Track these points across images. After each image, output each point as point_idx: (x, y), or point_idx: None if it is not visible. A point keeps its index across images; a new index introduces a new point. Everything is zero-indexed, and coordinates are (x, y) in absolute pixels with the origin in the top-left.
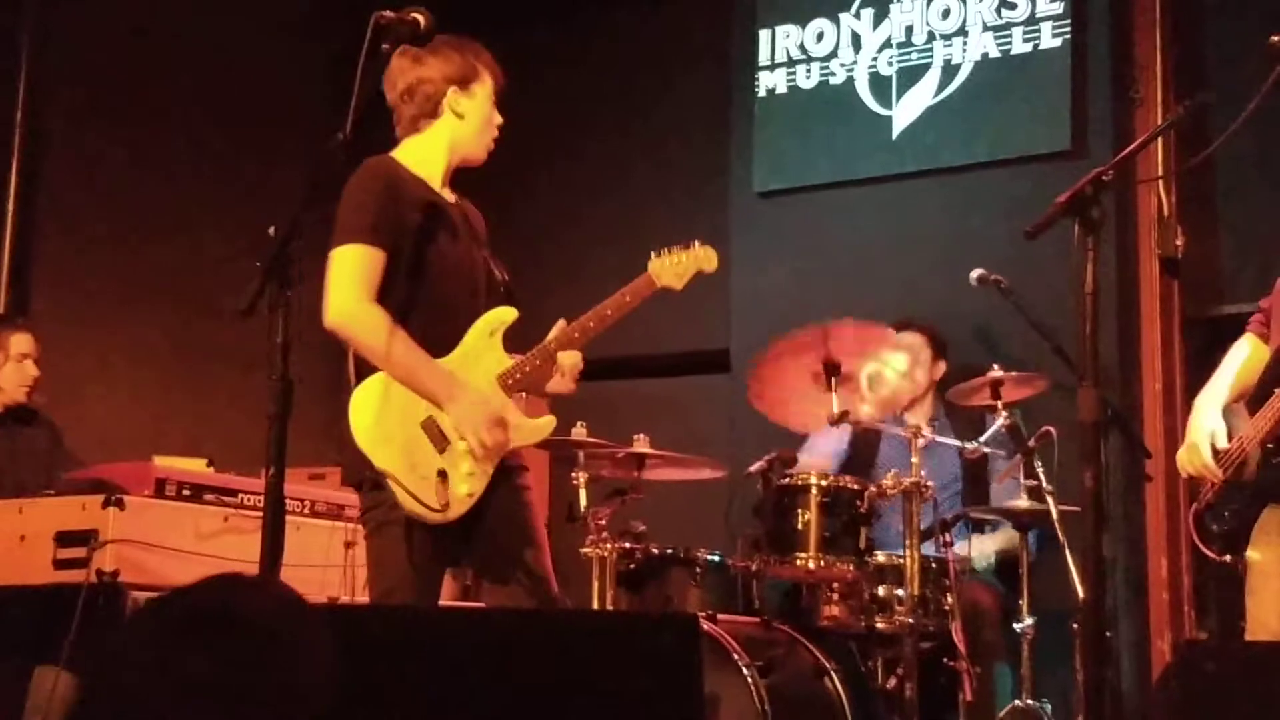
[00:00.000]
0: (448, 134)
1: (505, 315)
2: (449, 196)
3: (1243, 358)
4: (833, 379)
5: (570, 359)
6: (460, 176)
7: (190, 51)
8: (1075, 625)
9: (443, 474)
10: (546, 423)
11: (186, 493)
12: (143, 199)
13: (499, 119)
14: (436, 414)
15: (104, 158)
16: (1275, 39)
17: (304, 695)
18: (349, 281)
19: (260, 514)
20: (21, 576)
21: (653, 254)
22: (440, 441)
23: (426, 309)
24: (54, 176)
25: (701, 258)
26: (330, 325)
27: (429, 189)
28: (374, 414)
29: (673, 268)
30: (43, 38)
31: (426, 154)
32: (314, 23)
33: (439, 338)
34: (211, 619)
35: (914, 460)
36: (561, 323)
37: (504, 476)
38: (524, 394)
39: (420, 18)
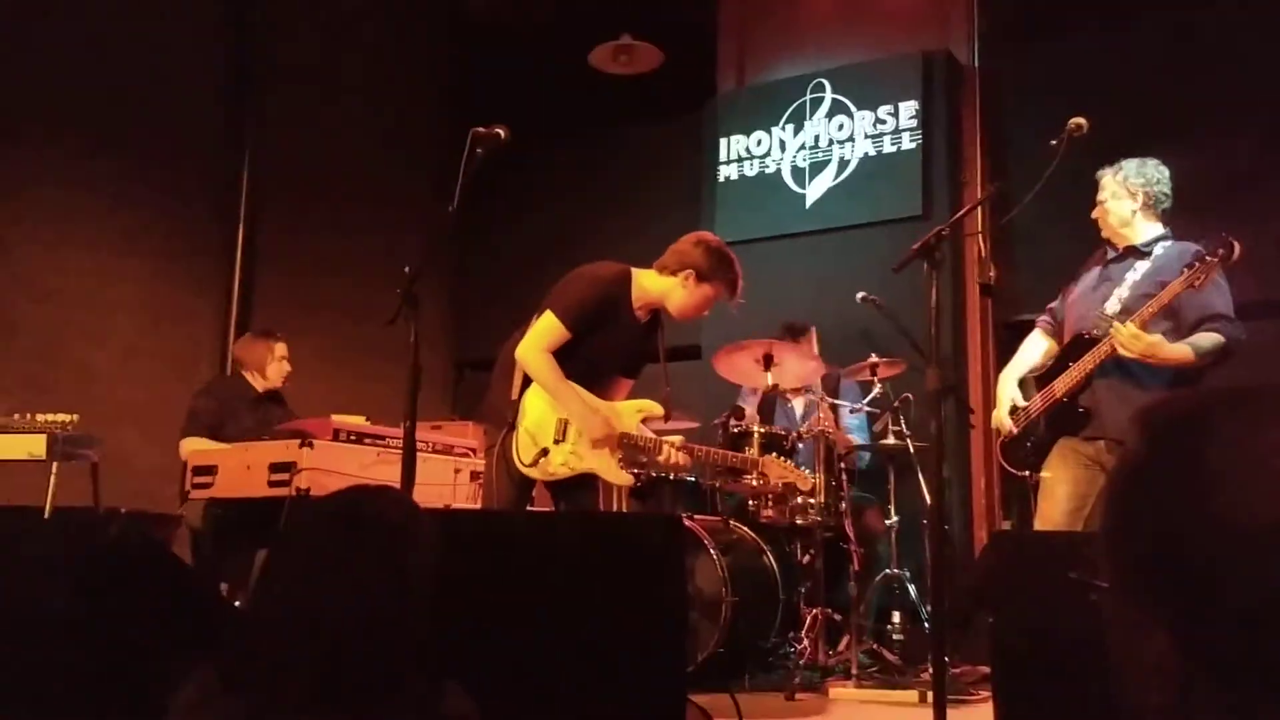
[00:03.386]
0: (666, 289)
1: (654, 410)
2: (641, 317)
3: (1032, 346)
4: (770, 364)
5: (680, 457)
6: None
7: (358, 152)
8: (925, 521)
9: (545, 451)
10: (626, 477)
11: (353, 438)
12: (324, 249)
13: (705, 313)
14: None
15: (301, 224)
16: (1053, 143)
17: (413, 573)
18: (540, 339)
19: (400, 451)
20: (248, 491)
21: (773, 455)
22: (560, 435)
23: (583, 369)
24: (269, 238)
25: (803, 477)
26: (519, 357)
27: (629, 309)
28: (540, 398)
29: (777, 468)
30: (258, 146)
31: (647, 287)
32: (426, 135)
33: (586, 386)
34: (345, 515)
35: (822, 415)
36: (680, 438)
37: (587, 479)
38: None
39: (501, 131)
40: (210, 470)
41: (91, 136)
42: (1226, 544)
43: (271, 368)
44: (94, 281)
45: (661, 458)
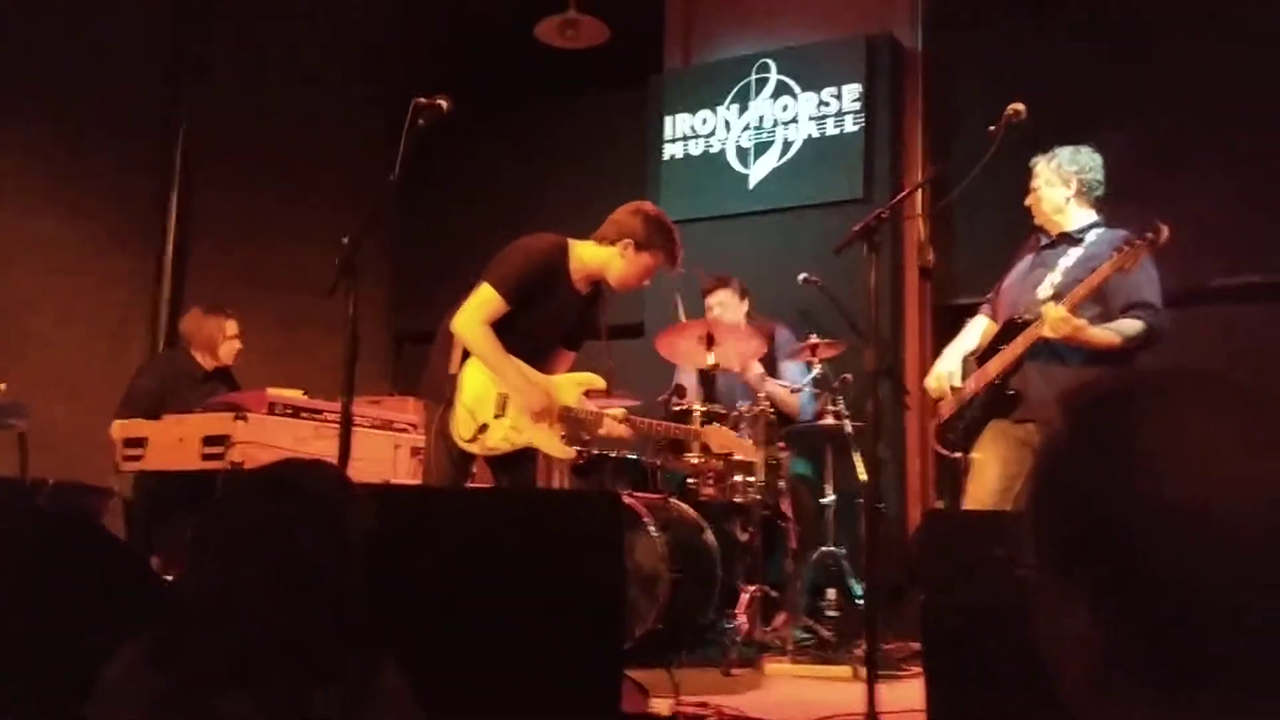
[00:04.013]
0: (605, 259)
1: (596, 383)
2: (581, 289)
3: (974, 328)
4: (711, 343)
5: (620, 429)
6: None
7: (296, 122)
8: (860, 500)
9: (485, 426)
10: (568, 451)
11: (289, 411)
12: (262, 217)
13: (646, 283)
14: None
15: (237, 191)
16: (991, 129)
17: (348, 547)
18: (477, 311)
19: (337, 426)
20: (180, 464)
21: (717, 424)
22: (500, 410)
23: (523, 342)
24: (205, 205)
25: (745, 447)
26: (455, 330)
27: (568, 280)
28: (478, 373)
29: (718, 436)
30: (195, 111)
31: (586, 259)
32: (370, 104)
33: (527, 360)
34: (278, 487)
35: (761, 395)
36: (621, 410)
37: (527, 454)
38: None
39: (444, 103)
40: (141, 443)
41: (25, 97)
42: (1148, 522)
43: (223, 347)
44: (23, 246)
45: (603, 430)
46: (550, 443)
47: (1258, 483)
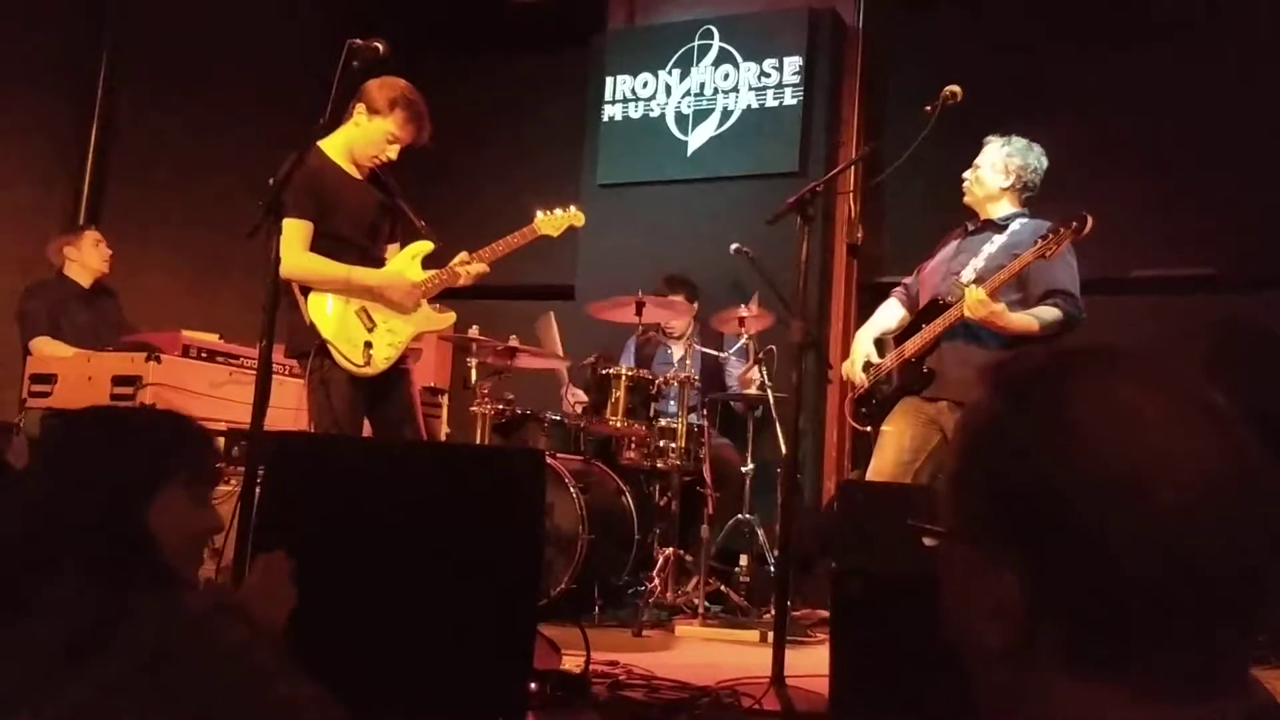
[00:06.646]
0: (348, 135)
1: (424, 246)
2: (355, 174)
3: (886, 311)
4: (641, 310)
5: (476, 268)
6: (408, 165)
7: (226, 55)
8: (779, 470)
9: (369, 344)
10: (448, 316)
11: (204, 355)
12: (186, 155)
13: (390, 153)
14: (368, 306)
15: (162, 126)
16: (927, 108)
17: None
18: (293, 246)
19: (254, 372)
20: (89, 403)
21: (538, 211)
22: (369, 324)
23: (347, 250)
24: (124, 137)
25: (573, 216)
26: (288, 276)
27: (342, 173)
28: (325, 307)
29: (551, 222)
30: (122, 37)
31: (336, 143)
32: (304, 43)
33: (355, 263)
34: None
35: (687, 363)
36: (464, 254)
37: (400, 364)
38: (435, 303)
39: (380, 45)
40: (50, 379)
41: None
42: (1084, 492)
43: (92, 256)
44: None
45: (463, 281)
46: (430, 320)
47: (1188, 456)
